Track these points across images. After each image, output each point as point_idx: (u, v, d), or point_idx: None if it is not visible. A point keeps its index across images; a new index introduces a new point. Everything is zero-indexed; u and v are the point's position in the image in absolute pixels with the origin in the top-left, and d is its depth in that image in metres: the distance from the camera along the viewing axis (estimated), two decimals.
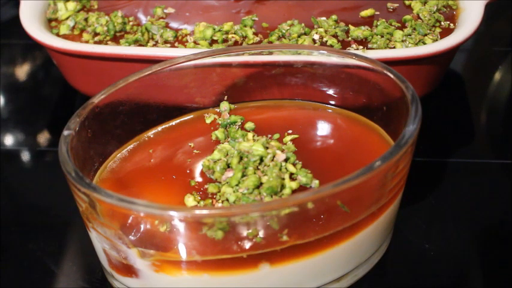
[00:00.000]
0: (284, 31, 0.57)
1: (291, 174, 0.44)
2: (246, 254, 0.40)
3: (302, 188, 0.43)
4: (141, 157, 0.48)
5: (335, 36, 0.57)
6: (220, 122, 0.50)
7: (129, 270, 0.42)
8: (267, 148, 0.45)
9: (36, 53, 0.75)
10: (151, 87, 0.50)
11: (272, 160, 0.45)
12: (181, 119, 0.51)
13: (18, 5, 0.63)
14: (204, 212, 0.38)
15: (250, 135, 0.48)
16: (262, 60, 0.51)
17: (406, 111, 0.43)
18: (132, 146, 0.49)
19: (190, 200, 0.44)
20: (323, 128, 0.50)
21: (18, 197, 0.57)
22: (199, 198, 0.44)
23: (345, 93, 0.51)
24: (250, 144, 0.45)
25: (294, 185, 0.43)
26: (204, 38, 0.58)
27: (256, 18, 0.59)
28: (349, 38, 0.57)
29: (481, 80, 0.68)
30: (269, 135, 0.48)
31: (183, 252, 0.40)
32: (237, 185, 0.43)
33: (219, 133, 0.49)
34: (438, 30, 0.58)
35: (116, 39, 0.59)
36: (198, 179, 0.46)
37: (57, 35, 0.61)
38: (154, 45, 0.58)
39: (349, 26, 0.58)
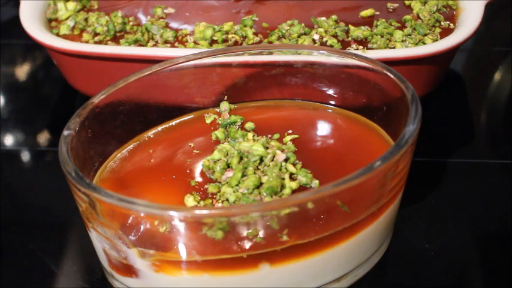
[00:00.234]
0: (284, 31, 0.57)
1: (291, 174, 0.44)
2: (246, 254, 0.40)
3: (302, 188, 0.43)
4: (141, 157, 0.48)
5: (335, 36, 0.57)
6: (220, 122, 0.50)
7: (129, 270, 0.42)
8: (267, 148, 0.45)
9: (36, 53, 0.75)
10: (151, 87, 0.50)
11: (272, 160, 0.45)
12: (181, 119, 0.51)
13: (18, 5, 0.63)
14: (204, 212, 0.38)
15: (250, 135, 0.48)
16: (262, 60, 0.51)
17: (406, 111, 0.43)
18: (132, 146, 0.49)
19: (190, 200, 0.44)
20: (323, 128, 0.50)
21: (18, 197, 0.57)
22: (199, 198, 0.44)
23: (345, 93, 0.51)
24: (250, 144, 0.45)
25: (294, 185, 0.43)
26: (204, 38, 0.58)
27: (256, 18, 0.59)
28: (349, 38, 0.57)
29: (481, 80, 0.68)
30: (269, 135, 0.48)
31: (183, 252, 0.40)
32: (237, 185, 0.43)
33: (219, 133, 0.49)
34: (438, 30, 0.58)
35: (116, 39, 0.59)
36: (198, 179, 0.46)
37: (57, 35, 0.61)
38: (154, 45, 0.58)
39: (349, 26, 0.58)
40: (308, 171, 0.44)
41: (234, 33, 0.58)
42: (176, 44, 0.58)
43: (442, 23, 0.59)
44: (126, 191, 0.46)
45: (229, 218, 0.38)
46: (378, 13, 0.59)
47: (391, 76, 0.46)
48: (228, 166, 0.45)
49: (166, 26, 0.60)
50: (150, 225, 0.40)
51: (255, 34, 0.58)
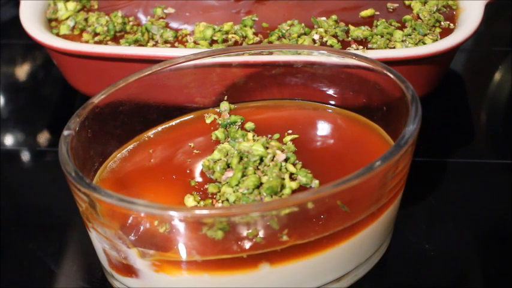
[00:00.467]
0: (284, 31, 0.57)
1: (291, 174, 0.44)
2: (246, 254, 0.40)
3: (302, 188, 0.43)
4: (141, 157, 0.48)
5: (335, 36, 0.57)
6: (220, 122, 0.50)
7: (129, 270, 0.42)
8: (267, 148, 0.45)
9: (36, 53, 0.75)
10: (151, 87, 0.50)
11: (272, 160, 0.45)
12: (181, 119, 0.51)
13: (18, 5, 0.63)
14: (204, 212, 0.38)
15: (250, 135, 0.48)
16: (262, 60, 0.51)
17: (406, 111, 0.43)
18: (132, 146, 0.49)
19: (190, 200, 0.44)
20: (323, 128, 0.50)
21: (18, 197, 0.57)
22: (199, 198, 0.44)
23: (345, 93, 0.51)
24: (250, 144, 0.45)
25: (294, 185, 0.43)
26: (204, 38, 0.58)
27: (256, 18, 0.59)
28: (349, 38, 0.57)
29: (481, 80, 0.68)
30: (269, 135, 0.48)
31: (183, 252, 0.40)
32: (237, 185, 0.43)
33: (219, 133, 0.49)
34: (438, 30, 0.58)
35: (116, 39, 0.59)
36: (198, 179, 0.46)
37: (57, 35, 0.61)
38: (154, 45, 0.58)
39: (349, 26, 0.58)
40: (308, 171, 0.44)
41: (234, 33, 0.58)
42: (176, 44, 0.58)
43: (442, 23, 0.59)
44: (126, 191, 0.46)
45: (229, 218, 0.38)
46: (378, 13, 0.59)
47: (391, 76, 0.46)
48: (228, 166, 0.45)
49: (166, 26, 0.60)
50: (150, 225, 0.40)
51: (255, 34, 0.58)
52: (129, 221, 0.40)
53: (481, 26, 0.58)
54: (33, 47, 0.75)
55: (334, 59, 0.49)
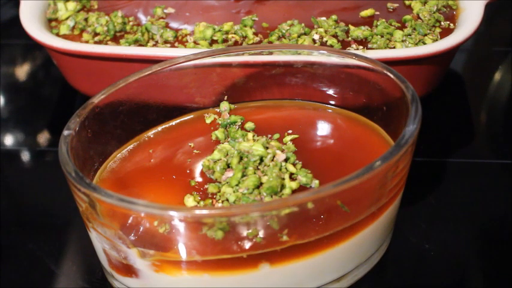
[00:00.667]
0: (284, 31, 0.57)
1: (291, 174, 0.44)
2: (246, 254, 0.40)
3: (302, 188, 0.43)
4: (141, 157, 0.48)
5: (335, 36, 0.57)
6: (220, 122, 0.50)
7: (129, 270, 0.42)
8: (267, 148, 0.45)
9: (36, 53, 0.75)
10: (151, 87, 0.50)
11: (272, 160, 0.45)
12: (181, 119, 0.51)
13: (18, 5, 0.63)
14: (204, 212, 0.38)
15: (250, 135, 0.47)
16: (262, 60, 0.51)
17: (406, 111, 0.43)
18: (132, 146, 0.49)
19: (190, 200, 0.44)
20: (323, 128, 0.50)
21: (18, 197, 0.57)
22: (199, 198, 0.44)
23: (345, 93, 0.50)
24: (250, 144, 0.45)
25: (294, 185, 0.43)
26: (204, 38, 0.58)
27: (256, 18, 0.59)
28: (349, 38, 0.57)
29: (481, 80, 0.68)
30: (269, 135, 0.48)
31: (183, 252, 0.40)
32: (237, 185, 0.43)
33: (219, 133, 0.49)
34: (438, 30, 0.58)
35: (116, 39, 0.59)
36: (198, 179, 0.46)
37: (57, 35, 0.61)
38: (154, 45, 0.58)
39: (349, 26, 0.58)
40: (308, 171, 0.44)
41: (234, 33, 0.58)
42: (176, 44, 0.58)
43: (442, 23, 0.59)
44: (126, 191, 0.46)
45: (229, 218, 0.38)
46: (378, 13, 0.59)
47: (391, 76, 0.46)
48: (228, 166, 0.45)
49: (166, 26, 0.60)
50: (150, 225, 0.40)
51: (255, 34, 0.58)
52: (129, 221, 0.40)
53: (481, 26, 0.58)
54: (33, 47, 0.75)
55: (334, 59, 0.49)
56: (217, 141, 0.48)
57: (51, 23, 0.63)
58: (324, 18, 0.58)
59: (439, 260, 0.48)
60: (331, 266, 0.42)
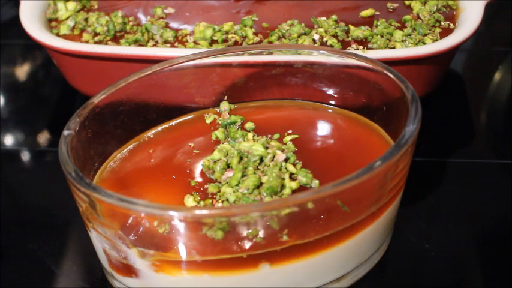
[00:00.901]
0: (284, 31, 0.57)
1: (291, 174, 0.44)
2: (246, 254, 0.40)
3: (302, 188, 0.43)
4: (141, 157, 0.48)
5: (335, 36, 0.57)
6: (220, 122, 0.50)
7: (129, 270, 0.42)
8: (267, 148, 0.45)
9: (36, 53, 0.75)
10: (151, 87, 0.50)
11: (272, 160, 0.45)
12: (181, 119, 0.51)
13: (18, 5, 0.63)
14: (204, 212, 0.38)
15: (250, 135, 0.47)
16: (262, 60, 0.51)
17: (406, 111, 0.43)
18: (132, 146, 0.49)
19: (190, 200, 0.44)
20: (323, 128, 0.50)
21: (18, 197, 0.57)
22: (199, 198, 0.44)
23: (345, 93, 0.51)
24: (250, 144, 0.45)
25: (294, 185, 0.43)
26: (204, 38, 0.58)
27: (256, 18, 0.59)
28: (349, 38, 0.57)
29: (481, 80, 0.68)
30: (269, 135, 0.48)
31: (183, 252, 0.40)
32: (237, 185, 0.43)
33: (219, 133, 0.49)
34: (438, 30, 0.58)
35: (116, 39, 0.59)
36: (198, 179, 0.46)
37: (57, 35, 0.61)
38: (154, 45, 0.58)
39: (349, 26, 0.58)
40: (308, 171, 0.44)
41: (234, 33, 0.58)
42: (176, 44, 0.58)
43: (442, 23, 0.59)
44: (126, 191, 0.46)
45: (229, 218, 0.38)
46: (378, 13, 0.59)
47: (391, 76, 0.46)
48: (228, 166, 0.45)
49: (166, 26, 0.60)
50: (150, 225, 0.40)
51: (255, 34, 0.58)
52: (129, 221, 0.40)
53: (481, 26, 0.58)
54: (33, 47, 0.75)
55: (334, 59, 0.49)
56: (217, 141, 0.48)
57: (51, 23, 0.63)
58: (324, 18, 0.58)
59: (439, 260, 0.48)
60: (331, 266, 0.42)
